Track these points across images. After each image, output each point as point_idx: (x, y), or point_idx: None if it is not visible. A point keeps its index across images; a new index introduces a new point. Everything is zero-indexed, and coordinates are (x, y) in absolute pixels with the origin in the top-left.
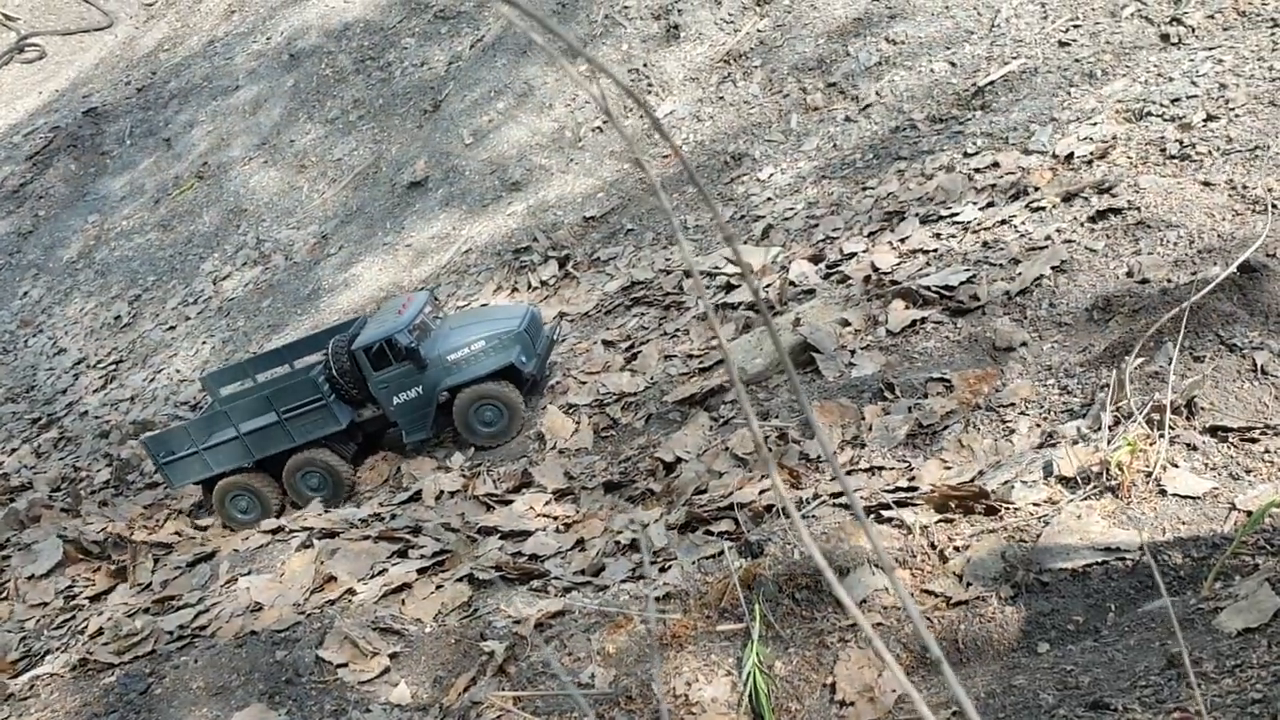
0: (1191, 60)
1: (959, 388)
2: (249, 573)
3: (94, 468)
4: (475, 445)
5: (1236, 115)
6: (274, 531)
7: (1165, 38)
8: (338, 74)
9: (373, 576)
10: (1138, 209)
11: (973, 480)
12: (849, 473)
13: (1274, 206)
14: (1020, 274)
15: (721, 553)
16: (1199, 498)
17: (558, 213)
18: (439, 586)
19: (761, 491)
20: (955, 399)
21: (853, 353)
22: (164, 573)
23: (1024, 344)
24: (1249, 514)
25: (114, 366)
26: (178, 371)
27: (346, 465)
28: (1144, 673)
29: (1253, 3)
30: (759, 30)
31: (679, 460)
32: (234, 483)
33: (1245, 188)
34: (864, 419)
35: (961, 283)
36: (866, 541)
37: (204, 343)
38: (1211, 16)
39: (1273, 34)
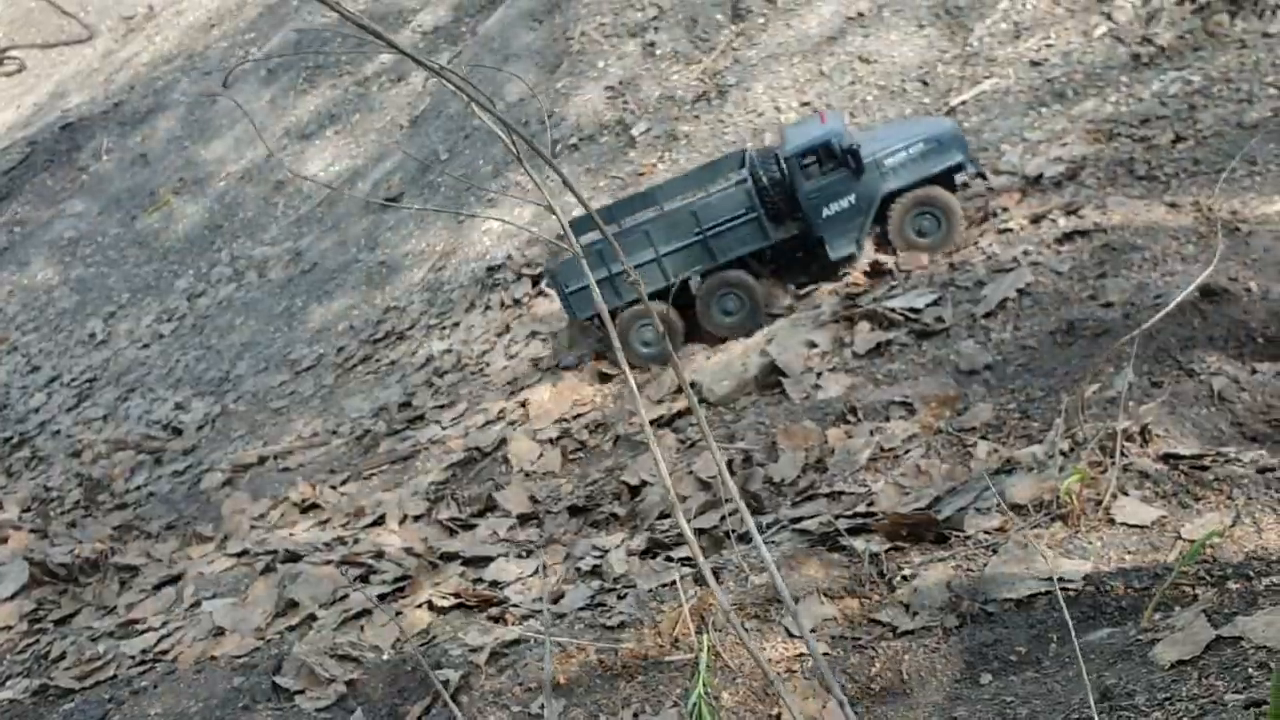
0: (1161, 81)
1: (921, 411)
2: (213, 596)
3: (65, 487)
4: (916, 249)
5: (1204, 137)
6: (239, 555)
7: (1136, 58)
8: (315, 89)
9: (334, 602)
10: (1104, 231)
11: (929, 507)
12: (809, 498)
13: (1236, 230)
14: (986, 296)
15: (673, 582)
16: (1147, 526)
17: (532, 229)
18: (399, 613)
19: (723, 517)
20: (917, 422)
21: (819, 375)
22: (130, 595)
23: (988, 367)
24: (1193, 543)
25: (88, 385)
26: (151, 390)
27: (763, 288)
28: (1079, 705)
29: (1221, 24)
30: (734, 49)
31: (644, 484)
32: (639, 313)
33: (1210, 210)
34: (827, 442)
35: (928, 305)
36: (815, 569)
37: (178, 360)
38: (1182, 37)
39: (1240, 55)
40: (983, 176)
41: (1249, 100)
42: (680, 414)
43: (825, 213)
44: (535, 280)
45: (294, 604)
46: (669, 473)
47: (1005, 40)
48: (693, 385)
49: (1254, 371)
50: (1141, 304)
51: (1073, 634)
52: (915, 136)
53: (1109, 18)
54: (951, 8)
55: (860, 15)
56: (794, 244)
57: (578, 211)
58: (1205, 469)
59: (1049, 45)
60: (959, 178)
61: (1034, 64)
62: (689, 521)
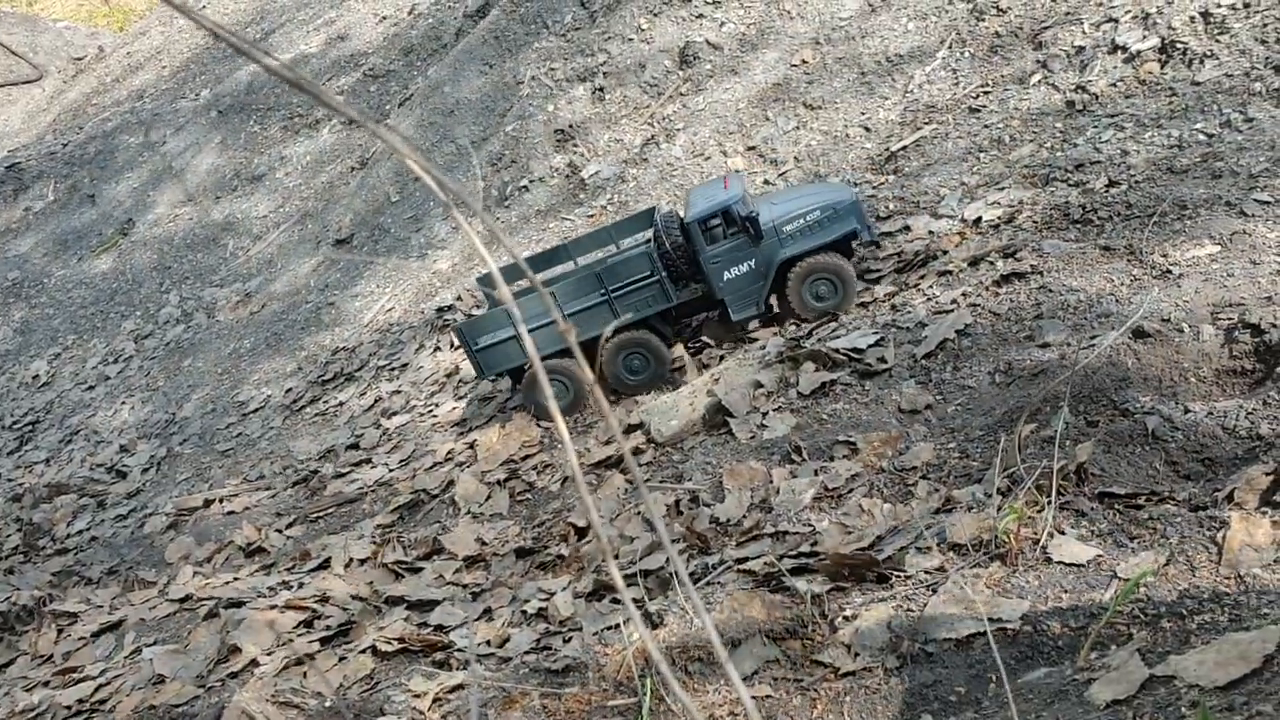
0: (1095, 127)
1: (864, 450)
2: (154, 643)
3: (4, 533)
4: (804, 320)
5: (1136, 181)
6: (182, 600)
7: (1071, 105)
8: (265, 130)
9: (277, 648)
10: (1041, 273)
11: (871, 546)
12: (754, 538)
13: (1167, 272)
14: (926, 337)
15: (618, 625)
16: (1083, 565)
17: (482, 269)
18: (342, 659)
19: (669, 559)
20: (860, 461)
21: (765, 414)
22: (67, 643)
23: (929, 407)
24: (1128, 582)
25: (30, 427)
26: (95, 432)
27: (668, 348)
28: None
29: (1152, 72)
30: (682, 95)
31: (592, 525)
32: (547, 368)
33: (1143, 253)
34: (772, 481)
35: (870, 345)
36: (758, 611)
37: (123, 402)
38: (1114, 85)
39: (1170, 102)
40: (876, 244)
41: (1179, 146)
42: (631, 453)
43: (726, 276)
44: None
45: (236, 650)
46: (618, 514)
47: (944, 88)
48: (640, 425)
49: (1187, 411)
50: (1077, 345)
51: (1004, 678)
52: (813, 205)
53: (1044, 66)
54: (892, 55)
55: (804, 63)
56: (698, 305)
57: (506, 261)
58: (1140, 508)
59: (986, 93)
60: (856, 243)
61: (972, 111)
62: (637, 562)
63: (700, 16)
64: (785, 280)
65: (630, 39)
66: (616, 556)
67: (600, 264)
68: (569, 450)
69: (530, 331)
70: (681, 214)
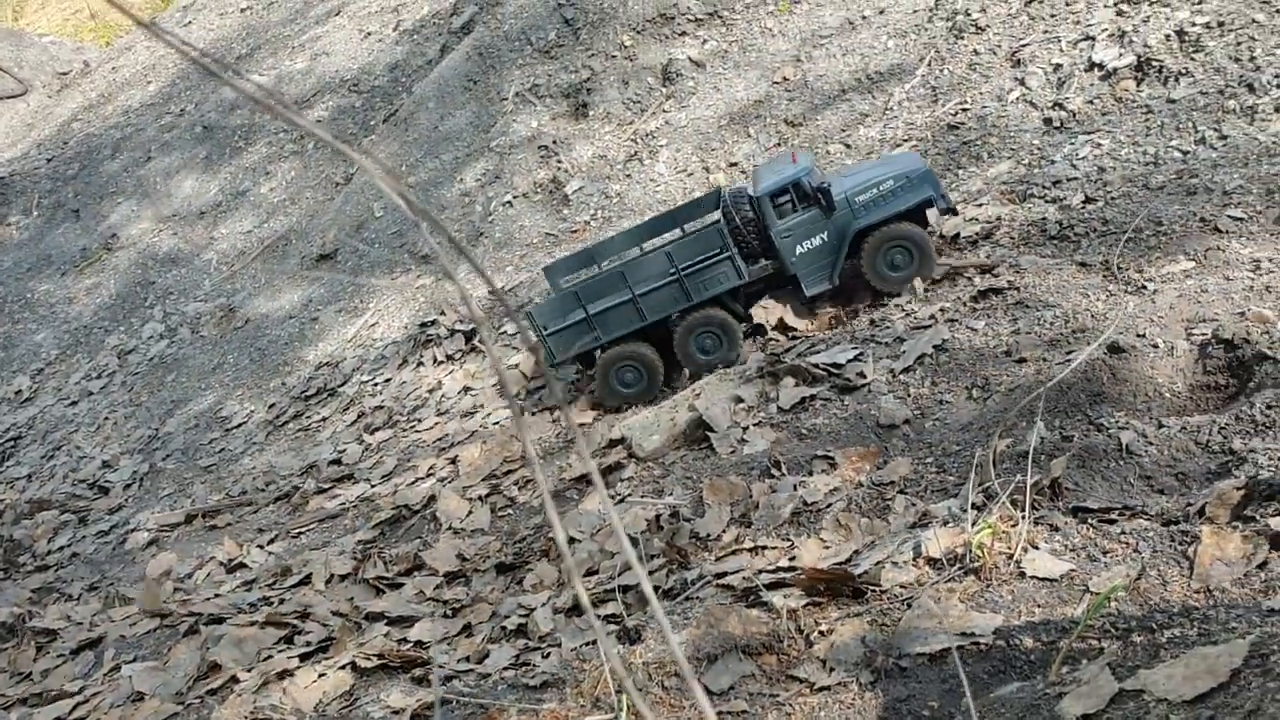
0: (1072, 144)
1: (842, 465)
2: (133, 660)
3: None
4: (884, 291)
5: (1112, 198)
6: (162, 616)
7: (1048, 122)
8: (251, 145)
9: (257, 664)
10: (1017, 289)
11: (847, 561)
12: (734, 553)
13: (1143, 288)
14: (905, 352)
15: (596, 641)
16: (1056, 580)
17: (465, 285)
18: (322, 675)
19: (650, 573)
20: (839, 476)
21: (745, 429)
22: (46, 661)
23: (906, 421)
24: (1099, 596)
25: (12, 443)
26: (78, 448)
27: (740, 326)
28: None
29: (1128, 89)
30: (664, 110)
31: (572, 540)
32: (620, 353)
33: (1119, 269)
34: (752, 496)
35: (849, 360)
36: (735, 626)
37: (106, 418)
38: (1091, 102)
39: (1146, 120)
40: (954, 212)
41: (1155, 163)
42: (611, 469)
43: (799, 250)
44: (468, 336)
45: (216, 666)
46: (599, 529)
47: (923, 104)
48: (622, 440)
49: (1160, 425)
50: (1053, 360)
51: (969, 695)
52: (885, 174)
53: (1022, 83)
54: (872, 72)
55: (785, 80)
56: (770, 282)
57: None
58: (1113, 522)
59: (965, 109)
60: (931, 212)
61: (951, 127)
62: (616, 578)
63: (683, 34)
64: (859, 252)
65: (613, 56)
66: (595, 573)
67: (670, 242)
68: (538, 474)
69: (599, 314)
70: (751, 191)
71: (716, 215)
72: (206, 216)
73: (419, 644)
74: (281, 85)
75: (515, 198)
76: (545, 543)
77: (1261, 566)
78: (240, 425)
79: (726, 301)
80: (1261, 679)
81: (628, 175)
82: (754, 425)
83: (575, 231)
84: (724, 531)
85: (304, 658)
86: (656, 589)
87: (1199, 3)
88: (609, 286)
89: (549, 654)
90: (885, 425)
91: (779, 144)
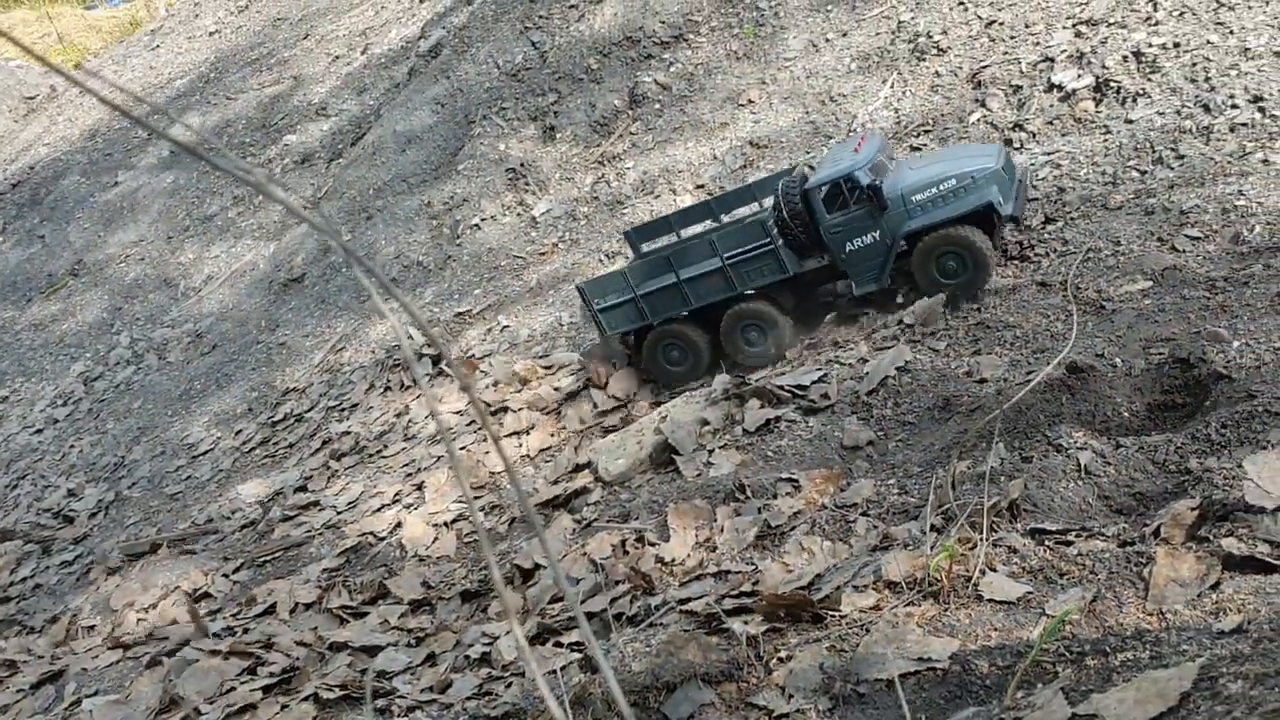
0: (1032, 164)
1: (806, 487)
2: (95, 693)
3: None
4: (942, 293)
5: (1072, 218)
6: (125, 648)
7: (1009, 143)
8: (218, 171)
9: (220, 696)
10: (978, 309)
11: (810, 585)
12: (697, 578)
13: (1101, 308)
14: (868, 374)
15: (556, 670)
16: (1013, 603)
17: (433, 309)
18: (284, 707)
19: (614, 599)
20: (803, 499)
21: (711, 452)
22: (5, 696)
23: (870, 443)
24: (1054, 619)
25: None
26: (43, 476)
27: (787, 320)
28: None
29: (1087, 110)
30: (631, 133)
31: (537, 567)
32: (668, 333)
33: (1078, 288)
34: (716, 520)
35: (813, 382)
36: (695, 654)
37: (71, 446)
38: (1050, 123)
39: (1105, 140)
40: (1015, 220)
41: (1113, 183)
42: (577, 494)
43: (849, 247)
44: (435, 360)
45: (178, 699)
46: (564, 555)
47: (887, 126)
48: (588, 464)
49: (1118, 446)
50: (1013, 380)
51: None
52: (950, 172)
53: (983, 104)
54: (836, 95)
55: (751, 102)
56: (821, 277)
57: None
58: (1070, 544)
59: (927, 131)
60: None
61: (914, 149)
62: (581, 603)
63: (649, 57)
64: (911, 254)
65: (580, 78)
66: (559, 599)
67: (713, 230)
68: (469, 495)
69: (649, 295)
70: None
71: (763, 205)
72: (174, 241)
73: (382, 674)
74: (249, 110)
75: (483, 220)
76: (510, 569)
77: (1214, 588)
78: (207, 452)
79: (773, 295)
80: (1210, 702)
81: (595, 197)
82: (719, 448)
83: (544, 254)
84: (689, 556)
85: (267, 689)
86: (620, 615)
87: (1155, 24)
88: (655, 268)
89: (511, 684)
90: (849, 446)
91: (744, 166)
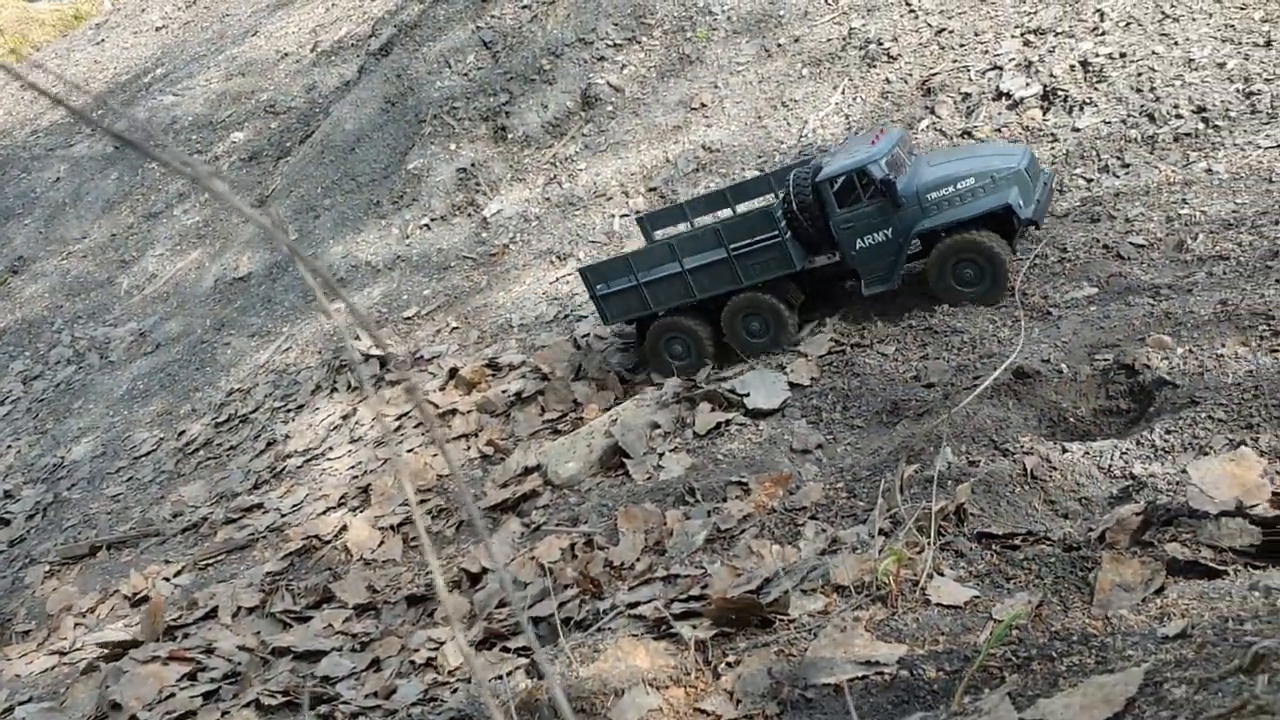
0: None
1: (756, 491)
2: (29, 700)
3: None
4: (953, 303)
5: None
6: (61, 653)
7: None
8: (163, 168)
9: (159, 703)
10: (927, 314)
11: (759, 589)
12: (647, 582)
13: (1047, 314)
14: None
15: (503, 676)
16: (960, 607)
17: (381, 310)
18: (225, 714)
19: (562, 604)
20: (752, 502)
21: (661, 455)
22: None
23: (819, 446)
24: (1000, 624)
25: None
26: None
27: (793, 314)
28: None
29: (1035, 118)
30: (584, 135)
31: (485, 571)
32: (670, 324)
33: (1025, 295)
34: (666, 523)
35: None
36: (643, 659)
37: (9, 447)
38: (999, 130)
39: (1052, 147)
40: (1035, 224)
41: (1060, 190)
42: (525, 497)
43: (859, 244)
44: (383, 363)
45: (116, 706)
46: (513, 559)
47: (838, 132)
48: (537, 468)
49: (1065, 450)
50: (960, 385)
51: None
52: (970, 171)
53: (932, 112)
54: (788, 100)
55: (703, 106)
56: (831, 272)
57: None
58: (1016, 548)
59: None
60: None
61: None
62: (525, 610)
63: (602, 59)
64: (926, 255)
65: (532, 79)
66: (504, 604)
67: (720, 221)
68: (417, 515)
69: (651, 284)
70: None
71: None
72: (117, 239)
73: (326, 679)
74: (196, 106)
75: (433, 220)
76: (457, 573)
77: (1159, 592)
78: (149, 453)
79: (779, 288)
80: (1155, 707)
81: (546, 198)
82: (670, 451)
83: (494, 254)
84: (638, 560)
85: (207, 696)
86: (568, 620)
87: (1102, 35)
88: (661, 257)
89: (457, 689)
90: (798, 450)
91: (696, 169)
